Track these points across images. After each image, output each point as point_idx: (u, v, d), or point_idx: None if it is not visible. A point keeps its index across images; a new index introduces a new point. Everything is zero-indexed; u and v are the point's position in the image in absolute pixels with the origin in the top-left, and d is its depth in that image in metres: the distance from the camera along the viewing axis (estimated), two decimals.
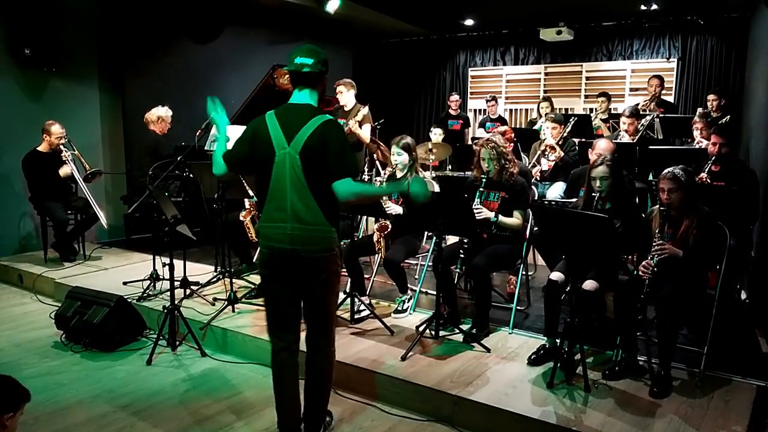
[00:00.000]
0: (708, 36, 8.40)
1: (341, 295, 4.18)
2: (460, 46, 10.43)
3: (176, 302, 4.05)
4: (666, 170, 3.34)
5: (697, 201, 3.36)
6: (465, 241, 3.97)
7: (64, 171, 5.71)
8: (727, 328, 3.76)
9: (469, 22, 9.61)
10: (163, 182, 5.22)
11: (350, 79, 6.08)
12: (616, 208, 3.56)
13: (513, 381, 3.26)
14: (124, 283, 5.00)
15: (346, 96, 5.92)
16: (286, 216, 2.59)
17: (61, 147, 5.69)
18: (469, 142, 8.26)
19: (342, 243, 4.61)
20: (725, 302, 3.69)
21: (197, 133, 5.04)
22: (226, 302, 4.31)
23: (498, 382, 3.25)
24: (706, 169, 4.35)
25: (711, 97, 6.62)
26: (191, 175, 5.31)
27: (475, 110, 10.36)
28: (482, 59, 10.34)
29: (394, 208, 4.20)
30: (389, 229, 4.20)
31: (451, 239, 4.69)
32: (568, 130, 5.80)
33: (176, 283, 4.17)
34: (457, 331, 3.83)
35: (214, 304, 4.48)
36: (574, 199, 3.99)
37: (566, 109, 9.20)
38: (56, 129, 5.67)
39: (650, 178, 5.01)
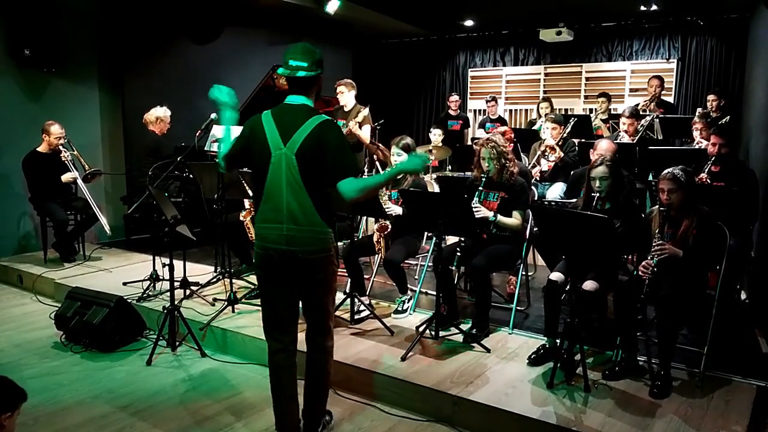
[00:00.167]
0: (708, 36, 8.40)
1: (341, 296, 4.20)
2: (460, 46, 10.43)
3: (176, 303, 4.04)
4: (666, 171, 3.34)
5: (697, 201, 3.36)
6: (463, 240, 3.97)
7: (66, 178, 5.72)
8: (727, 329, 3.76)
9: (468, 22, 9.62)
10: (162, 182, 5.22)
11: (350, 80, 6.08)
12: (615, 208, 3.56)
13: (513, 381, 3.26)
14: (124, 284, 5.00)
15: (347, 96, 5.92)
16: (281, 217, 2.58)
17: (61, 147, 5.70)
18: (469, 143, 8.27)
19: (342, 243, 4.64)
20: (725, 302, 3.69)
21: (197, 134, 5.04)
22: (225, 303, 4.31)
23: (498, 382, 3.25)
24: (706, 170, 4.35)
25: (710, 97, 6.63)
26: (191, 176, 5.31)
27: (474, 111, 10.36)
28: (482, 60, 10.35)
29: (394, 209, 4.20)
30: (389, 230, 4.20)
31: (451, 239, 4.69)
32: (567, 130, 5.80)
33: (176, 284, 4.18)
34: (457, 331, 3.83)
35: (213, 305, 4.48)
36: (574, 200, 3.99)
37: (566, 110, 9.20)
38: (55, 129, 5.67)
39: (650, 178, 5.01)
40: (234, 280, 4.56)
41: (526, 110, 9.81)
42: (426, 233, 4.60)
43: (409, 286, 4.40)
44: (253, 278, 4.94)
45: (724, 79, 8.21)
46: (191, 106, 7.15)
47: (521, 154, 6.25)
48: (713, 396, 3.11)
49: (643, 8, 7.87)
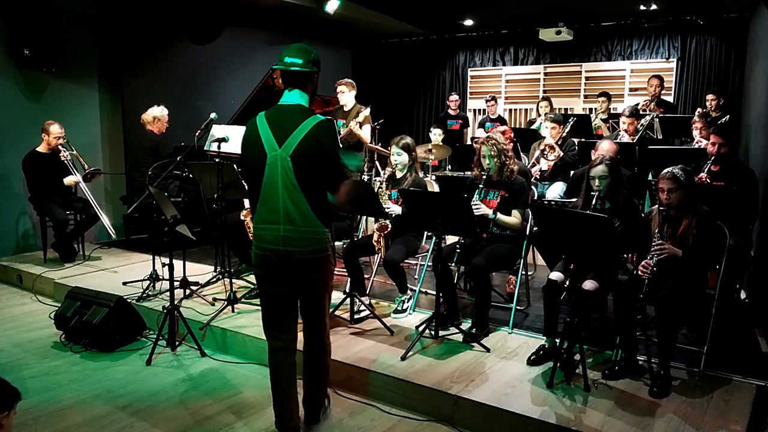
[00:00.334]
0: (707, 36, 8.40)
1: (341, 295, 4.22)
2: (460, 46, 10.43)
3: (176, 302, 4.04)
4: (665, 170, 3.34)
5: (697, 201, 3.36)
6: (463, 239, 3.97)
7: (69, 181, 5.74)
8: (727, 328, 3.76)
9: (468, 22, 9.62)
10: (162, 182, 5.22)
11: (351, 80, 6.08)
12: (615, 207, 3.56)
13: (513, 381, 3.26)
14: (124, 284, 5.00)
15: (347, 96, 5.92)
16: (278, 218, 2.61)
17: (60, 147, 5.70)
18: (469, 142, 8.28)
19: (342, 243, 4.64)
20: (725, 302, 3.69)
21: (197, 134, 5.04)
22: (225, 302, 4.31)
23: (498, 381, 3.25)
24: (706, 169, 4.36)
25: (710, 96, 6.63)
26: (191, 176, 5.31)
27: (474, 110, 10.36)
28: (482, 59, 10.35)
29: (394, 208, 4.20)
30: (389, 229, 4.20)
31: (451, 239, 4.69)
32: (567, 130, 5.80)
33: (176, 284, 4.17)
34: (457, 330, 3.83)
35: (213, 305, 4.48)
36: (574, 199, 3.99)
37: (566, 110, 9.21)
38: (55, 129, 5.68)
39: (650, 178, 5.01)
40: (234, 280, 4.56)
41: (526, 110, 9.82)
42: (426, 233, 4.60)
43: (408, 285, 4.40)
44: (252, 278, 4.94)
45: (724, 79, 8.22)
46: (191, 106, 7.18)
47: (521, 153, 6.26)
48: (713, 395, 3.11)
49: (642, 8, 7.87)
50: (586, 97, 9.31)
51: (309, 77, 2.66)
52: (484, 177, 4.01)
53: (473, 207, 3.82)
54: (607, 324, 3.77)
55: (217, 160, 4.61)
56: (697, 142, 5.25)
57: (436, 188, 5.73)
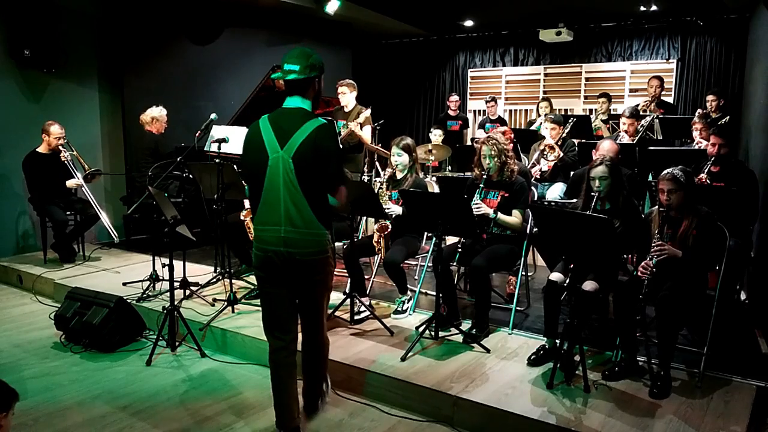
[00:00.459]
0: (707, 37, 8.41)
1: (341, 296, 4.22)
2: (460, 47, 10.43)
3: (176, 303, 4.04)
4: (665, 171, 3.35)
5: (697, 202, 3.36)
6: (463, 240, 3.98)
7: (71, 184, 5.74)
8: (727, 329, 3.76)
9: (468, 23, 9.62)
10: (162, 183, 5.22)
11: (352, 81, 6.09)
12: (615, 208, 3.56)
13: (513, 381, 3.26)
14: (124, 284, 5.00)
15: (348, 97, 5.93)
16: (279, 219, 2.63)
17: (61, 147, 5.70)
18: (469, 143, 8.28)
19: (342, 243, 4.64)
20: (725, 303, 3.69)
21: (197, 134, 5.04)
22: (225, 303, 4.31)
23: (498, 382, 3.25)
24: (706, 170, 4.35)
25: (710, 97, 6.63)
26: (191, 176, 5.31)
27: (474, 111, 10.37)
28: (482, 60, 10.35)
29: (394, 209, 4.20)
30: (389, 230, 4.20)
31: (451, 239, 4.69)
32: (567, 130, 5.80)
33: (176, 284, 4.17)
34: (457, 331, 3.83)
35: (213, 305, 4.48)
36: (574, 200, 3.99)
37: (566, 110, 9.21)
38: (55, 129, 5.68)
39: (650, 178, 5.01)
40: (234, 281, 4.56)
41: (526, 110, 9.82)
42: (426, 233, 4.60)
43: (408, 286, 4.40)
44: (252, 278, 4.94)
45: (724, 80, 8.22)
46: (191, 106, 7.18)
47: (521, 154, 6.26)
48: (713, 396, 3.11)
49: (642, 9, 7.87)
50: (586, 97, 9.31)
51: (307, 83, 2.67)
52: (485, 177, 4.02)
53: (474, 207, 3.83)
54: (607, 325, 3.77)
55: (217, 160, 4.61)
56: (697, 143, 5.25)
57: (436, 189, 5.73)
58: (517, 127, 9.35)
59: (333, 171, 2.63)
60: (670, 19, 8.49)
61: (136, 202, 5.55)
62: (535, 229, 4.06)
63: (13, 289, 5.64)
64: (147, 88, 6.92)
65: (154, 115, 6.20)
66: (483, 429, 3.01)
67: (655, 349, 3.33)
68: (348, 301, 4.14)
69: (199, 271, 5.29)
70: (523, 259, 4.13)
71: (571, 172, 5.55)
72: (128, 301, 4.32)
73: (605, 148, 4.44)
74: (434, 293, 3.92)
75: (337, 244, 4.67)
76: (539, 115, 7.44)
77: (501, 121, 8.43)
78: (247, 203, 4.80)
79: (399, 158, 4.31)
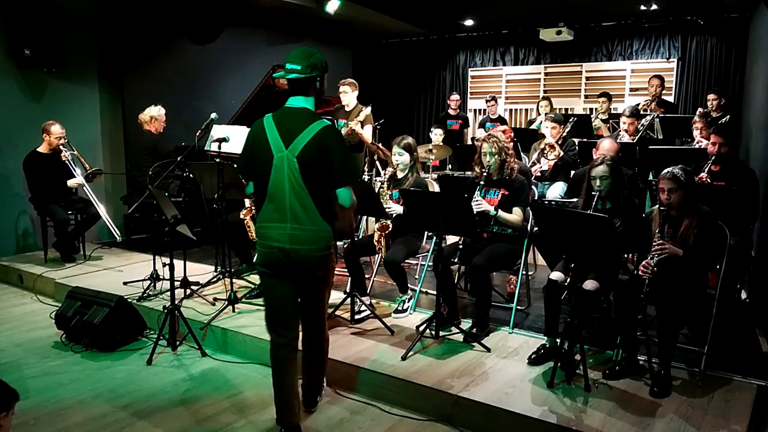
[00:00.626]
0: (708, 36, 8.40)
1: (342, 295, 4.22)
2: (460, 46, 10.43)
3: (176, 302, 4.04)
4: (666, 170, 3.34)
5: (697, 201, 3.36)
6: (463, 239, 3.98)
7: (72, 183, 5.74)
8: (728, 328, 3.76)
9: (469, 22, 9.62)
10: (162, 182, 5.22)
11: (353, 80, 6.09)
12: (616, 207, 3.56)
13: (513, 380, 3.26)
14: (125, 283, 5.00)
15: (350, 96, 5.93)
16: (285, 217, 2.69)
17: (61, 147, 5.70)
18: (469, 142, 8.27)
19: (342, 243, 4.64)
20: (725, 302, 3.69)
21: (197, 134, 5.04)
22: (226, 302, 4.31)
23: (498, 381, 3.25)
24: (706, 169, 4.35)
25: (711, 96, 6.63)
26: (191, 175, 5.31)
27: (475, 110, 10.37)
28: (482, 59, 10.35)
29: (395, 208, 4.20)
30: (390, 229, 4.20)
31: (451, 239, 4.69)
32: (567, 129, 5.80)
33: (176, 283, 4.17)
34: (457, 330, 3.83)
35: (214, 304, 4.48)
36: (575, 199, 3.99)
37: (566, 110, 9.21)
38: (56, 129, 5.68)
39: (650, 177, 5.01)
40: (234, 280, 4.56)
41: (526, 110, 9.82)
42: (426, 233, 4.60)
43: (409, 285, 4.40)
44: (253, 278, 4.94)
45: (724, 79, 8.21)
46: (191, 106, 7.18)
47: (521, 153, 6.26)
48: (713, 395, 3.11)
49: (643, 8, 7.86)
50: (586, 97, 9.31)
51: (309, 82, 2.71)
52: (485, 174, 4.02)
53: (474, 203, 3.83)
54: (608, 324, 3.77)
55: (217, 160, 4.61)
56: (697, 142, 5.25)
57: (436, 188, 5.72)
58: (518, 126, 9.35)
59: (341, 170, 2.67)
60: (671, 19, 8.49)
61: (136, 201, 5.55)
62: (536, 228, 4.06)
63: (13, 288, 5.64)
64: (147, 88, 6.92)
65: (153, 115, 6.20)
66: (483, 428, 3.01)
67: (656, 348, 3.32)
68: (348, 300, 4.14)
69: (199, 271, 5.29)
70: (523, 258, 4.13)
71: (572, 172, 5.55)
72: (129, 300, 4.32)
73: (606, 147, 4.44)
74: (435, 292, 3.92)
75: (337, 243, 4.67)
76: (539, 115, 7.44)
77: (501, 120, 8.43)
78: (247, 202, 4.80)
79: (400, 157, 4.31)
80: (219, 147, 4.76)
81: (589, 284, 3.38)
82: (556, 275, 3.51)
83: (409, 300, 4.38)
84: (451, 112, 8.93)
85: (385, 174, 4.52)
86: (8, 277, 5.81)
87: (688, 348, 3.51)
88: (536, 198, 4.95)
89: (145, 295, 4.67)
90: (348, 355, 3.56)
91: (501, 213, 3.93)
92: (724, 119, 6.27)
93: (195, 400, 3.38)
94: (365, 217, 5.39)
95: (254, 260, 2.98)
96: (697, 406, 3.00)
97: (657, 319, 3.29)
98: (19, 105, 6.26)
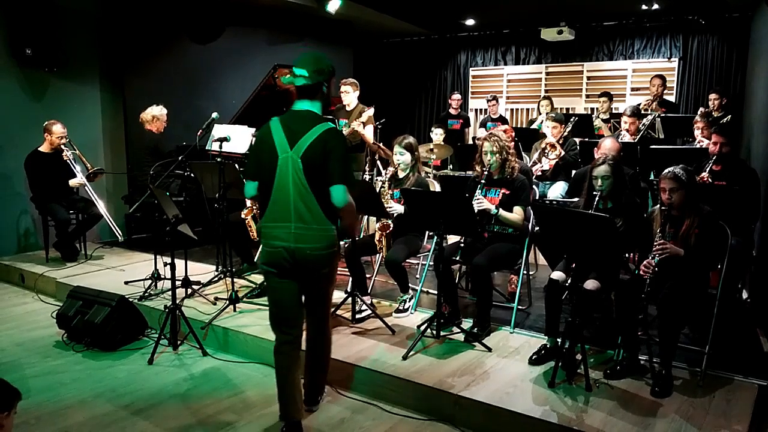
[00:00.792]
0: (709, 36, 8.40)
1: (343, 295, 4.22)
2: (461, 45, 10.43)
3: (177, 302, 4.05)
4: (667, 170, 3.34)
5: (699, 200, 3.36)
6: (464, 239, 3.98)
7: (74, 183, 5.75)
8: (729, 328, 3.76)
9: (470, 21, 9.62)
10: (164, 181, 5.22)
11: (354, 80, 6.09)
12: (617, 207, 3.56)
13: (514, 380, 3.26)
14: (126, 283, 5.01)
15: (351, 96, 5.93)
16: (289, 216, 2.74)
17: (63, 146, 5.71)
18: (470, 142, 8.27)
19: (343, 242, 4.64)
20: (727, 302, 3.68)
21: (198, 133, 5.04)
22: (227, 302, 4.32)
23: (499, 381, 3.25)
24: (707, 169, 4.35)
25: (712, 96, 6.62)
26: (193, 175, 5.31)
27: (476, 110, 10.36)
28: (483, 59, 10.35)
29: (396, 208, 4.20)
30: (391, 229, 4.20)
31: (452, 238, 4.69)
32: (568, 129, 5.80)
33: (177, 283, 4.17)
34: (458, 330, 3.83)
35: (215, 304, 4.48)
36: (576, 199, 3.99)
37: (567, 109, 9.20)
38: (57, 129, 5.69)
39: (651, 177, 5.01)
40: (235, 279, 4.57)
41: (527, 109, 9.81)
42: (427, 232, 4.60)
43: (410, 285, 4.40)
44: (254, 277, 4.94)
45: (726, 78, 8.20)
46: (192, 105, 7.18)
47: (522, 153, 6.26)
48: (715, 395, 3.11)
49: (644, 7, 7.86)
50: (587, 96, 9.31)
51: (315, 89, 2.78)
52: (486, 174, 4.02)
53: (475, 201, 3.83)
54: (609, 324, 3.76)
55: (218, 159, 4.61)
56: (698, 142, 5.25)
57: (437, 188, 5.72)
58: (519, 125, 9.35)
59: (336, 168, 2.70)
60: (672, 18, 8.49)
61: (137, 200, 5.55)
62: (537, 228, 4.05)
63: (15, 287, 5.65)
64: (148, 87, 6.93)
65: (155, 114, 6.20)
66: (484, 428, 3.01)
67: (657, 348, 3.33)
68: (349, 299, 4.14)
69: (200, 270, 5.29)
70: (524, 257, 4.13)
71: (573, 171, 5.55)
72: (130, 299, 4.33)
73: (607, 146, 4.43)
74: (435, 292, 3.92)
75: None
76: (540, 114, 7.43)
77: (502, 119, 8.43)
78: (248, 202, 4.80)
79: (401, 157, 4.31)
80: (220, 146, 4.76)
81: (590, 284, 3.38)
82: (557, 275, 3.51)
83: (410, 299, 4.38)
84: (452, 111, 8.93)
85: (386, 173, 4.52)
86: (9, 277, 5.82)
87: (689, 348, 3.50)
88: (537, 198, 4.95)
89: (147, 294, 4.67)
90: (349, 354, 3.56)
91: (502, 212, 3.93)
92: (725, 119, 6.26)
93: (196, 399, 3.38)
94: (366, 216, 5.39)
95: (257, 260, 3.00)
96: (698, 406, 2.99)
97: (658, 318, 3.29)
98: (20, 104, 6.26)
